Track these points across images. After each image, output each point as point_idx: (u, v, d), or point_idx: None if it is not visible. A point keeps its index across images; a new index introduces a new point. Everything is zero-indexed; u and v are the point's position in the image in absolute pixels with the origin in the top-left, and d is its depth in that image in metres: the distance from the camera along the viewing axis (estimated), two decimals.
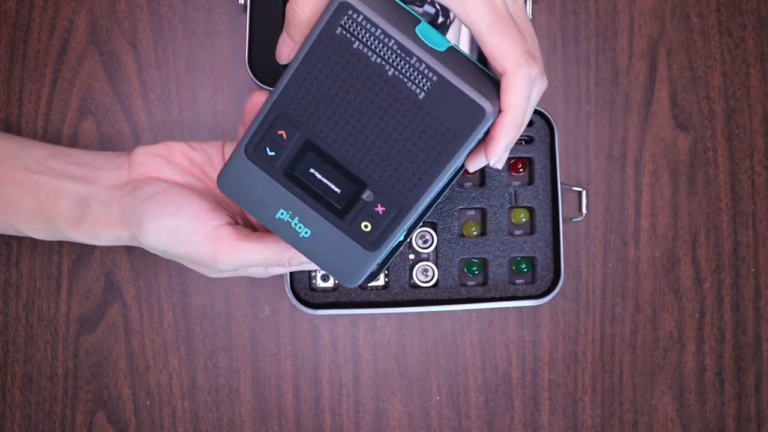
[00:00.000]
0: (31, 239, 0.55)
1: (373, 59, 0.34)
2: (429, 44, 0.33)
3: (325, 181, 0.37)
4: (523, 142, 0.54)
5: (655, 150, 0.58)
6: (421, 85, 0.33)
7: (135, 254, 0.56)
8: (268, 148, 0.37)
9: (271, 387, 0.57)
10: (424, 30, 0.34)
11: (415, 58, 0.33)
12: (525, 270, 0.54)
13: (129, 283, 0.56)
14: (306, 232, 0.38)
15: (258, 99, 0.40)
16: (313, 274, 0.53)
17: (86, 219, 0.43)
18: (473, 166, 0.37)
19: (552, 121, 0.53)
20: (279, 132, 0.37)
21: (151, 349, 0.56)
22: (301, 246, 0.39)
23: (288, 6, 0.35)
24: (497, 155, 0.35)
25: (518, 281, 0.54)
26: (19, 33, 0.56)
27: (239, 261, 0.41)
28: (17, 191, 0.44)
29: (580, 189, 0.56)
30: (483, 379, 0.58)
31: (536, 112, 0.53)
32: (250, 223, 0.45)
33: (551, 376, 0.58)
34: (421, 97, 0.34)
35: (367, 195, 0.37)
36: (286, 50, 0.36)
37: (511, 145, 0.36)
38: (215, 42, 0.57)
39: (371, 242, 0.38)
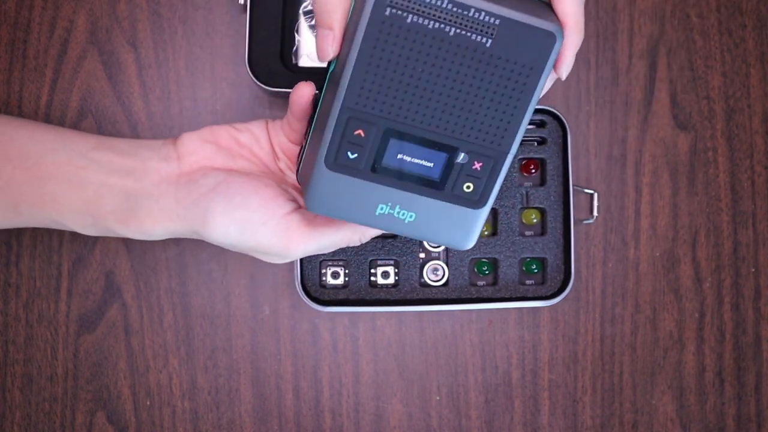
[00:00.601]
0: (31, 239, 0.55)
1: (431, 26, 0.33)
2: None
3: (415, 161, 0.37)
4: (536, 143, 0.54)
5: (655, 150, 0.58)
6: (485, 32, 0.33)
7: (135, 254, 0.56)
8: (349, 152, 0.36)
9: (271, 387, 0.57)
10: None
11: (472, 10, 0.32)
12: (535, 271, 0.54)
13: (129, 283, 0.56)
14: (411, 216, 0.38)
15: (305, 91, 0.38)
16: (324, 271, 0.53)
17: (137, 215, 0.42)
18: (546, 88, 0.37)
19: (565, 123, 0.53)
20: (356, 133, 0.36)
21: (151, 349, 0.56)
22: (409, 230, 0.39)
23: None
24: (568, 67, 0.35)
25: (528, 282, 0.54)
26: (19, 33, 0.56)
27: (311, 248, 0.41)
28: (62, 188, 0.42)
29: (591, 191, 0.56)
30: (483, 379, 0.58)
31: (549, 113, 0.53)
32: None
33: (551, 376, 0.58)
34: (488, 44, 0.33)
35: (461, 158, 0.36)
36: (330, 44, 0.35)
37: (576, 51, 0.35)
38: (215, 42, 0.57)
39: (476, 200, 0.38)
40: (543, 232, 0.54)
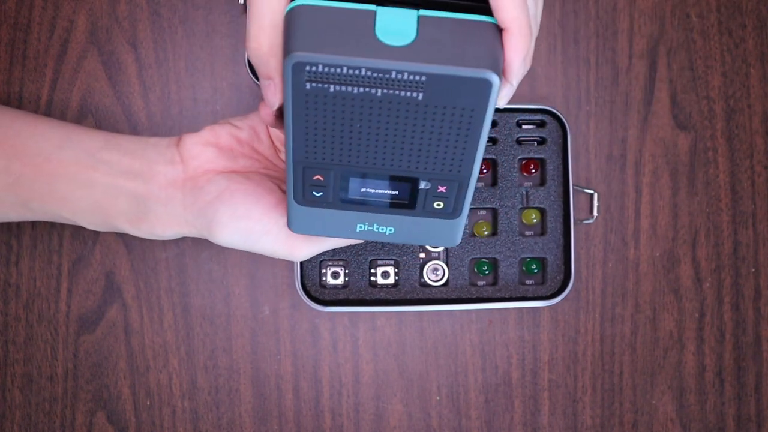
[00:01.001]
0: (31, 239, 0.55)
1: (356, 92, 0.31)
2: (397, 43, 0.30)
3: (379, 191, 0.37)
4: (536, 143, 0.54)
5: (655, 150, 0.58)
6: (414, 89, 0.31)
7: (135, 254, 0.56)
8: (314, 192, 0.37)
9: (271, 387, 0.57)
10: (384, 25, 0.31)
11: (393, 72, 0.30)
12: (535, 271, 0.54)
13: (129, 283, 0.56)
14: (390, 230, 0.39)
15: (267, 118, 0.37)
16: (324, 271, 0.53)
17: (147, 219, 0.43)
18: (503, 102, 0.34)
19: (565, 123, 0.53)
20: (315, 178, 0.36)
21: (151, 349, 0.56)
22: (393, 239, 0.40)
23: (247, 42, 0.32)
24: (518, 74, 0.32)
25: (528, 282, 0.54)
26: (19, 33, 0.56)
27: (315, 250, 0.42)
28: (71, 187, 0.43)
29: (591, 191, 0.56)
30: (483, 379, 0.58)
31: (549, 113, 0.53)
32: None
33: (551, 376, 0.58)
34: (420, 98, 0.32)
35: (424, 185, 0.36)
36: (273, 94, 0.33)
37: (530, 57, 0.33)
38: (215, 42, 0.57)
39: (450, 212, 0.38)
40: (543, 232, 0.54)
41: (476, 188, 0.54)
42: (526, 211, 0.54)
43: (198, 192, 0.42)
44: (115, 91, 0.56)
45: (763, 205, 0.59)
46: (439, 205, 0.38)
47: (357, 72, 0.30)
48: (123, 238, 0.56)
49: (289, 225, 0.39)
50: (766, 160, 0.59)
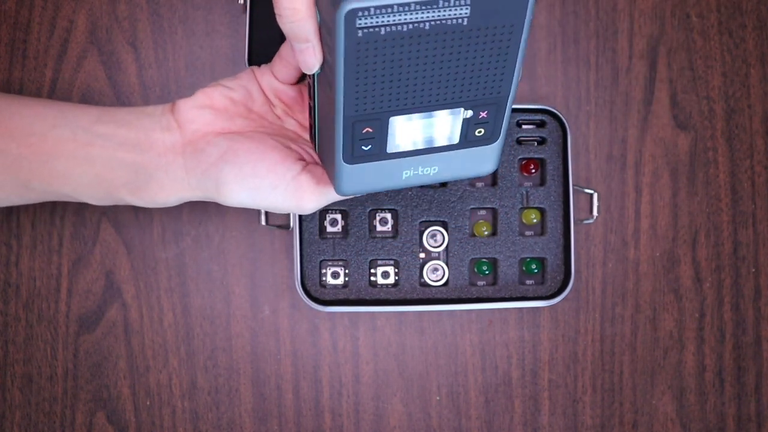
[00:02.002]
0: (31, 239, 0.55)
1: (406, 29, 0.33)
2: None
3: (425, 131, 0.38)
4: (536, 143, 0.54)
5: (655, 150, 0.58)
6: (459, 14, 0.33)
7: (135, 254, 0.56)
8: (362, 146, 0.38)
9: (271, 387, 0.57)
10: None
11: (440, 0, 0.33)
12: (535, 271, 0.54)
13: (129, 283, 0.56)
14: (434, 170, 0.40)
15: (313, 64, 0.37)
16: (324, 271, 0.53)
17: (149, 187, 0.43)
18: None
19: (565, 123, 0.53)
20: (364, 131, 0.37)
21: (151, 349, 0.56)
22: (435, 179, 0.41)
23: (280, 9, 0.33)
24: None
25: (528, 282, 0.54)
26: (19, 33, 0.56)
27: (322, 203, 0.42)
28: (70, 165, 0.42)
29: (591, 191, 0.56)
30: (483, 379, 0.58)
31: (549, 113, 0.54)
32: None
33: (551, 376, 0.58)
34: (465, 23, 0.34)
35: (465, 114, 0.38)
36: (312, 56, 0.35)
37: None
38: (215, 42, 0.57)
39: (489, 138, 0.40)
40: (543, 232, 0.54)
41: (476, 188, 0.54)
42: (526, 211, 0.54)
43: (200, 155, 0.42)
44: (115, 91, 0.56)
45: (763, 205, 0.59)
46: (480, 132, 0.39)
47: (407, 7, 0.32)
48: (123, 237, 0.56)
49: (338, 188, 0.40)
50: (766, 160, 0.59)
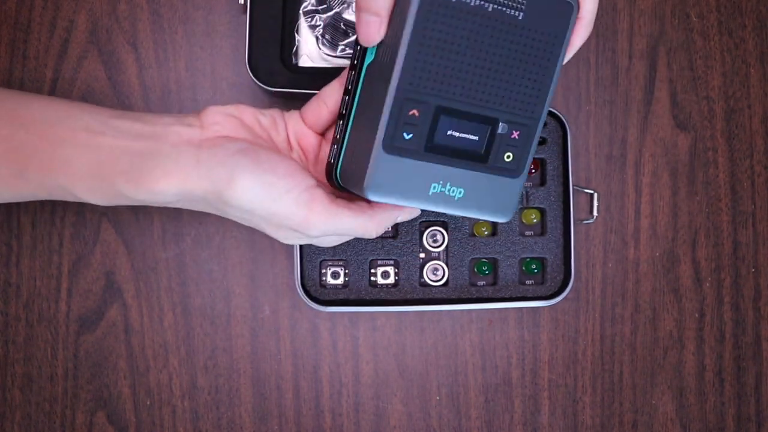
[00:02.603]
0: (31, 239, 0.55)
1: (473, 4, 0.36)
2: None
3: (464, 135, 0.39)
4: None
5: (655, 150, 0.58)
6: (517, 6, 0.36)
7: (135, 254, 0.56)
8: (404, 133, 0.38)
9: (271, 387, 0.57)
10: None
11: None
12: (535, 271, 0.54)
13: (129, 283, 0.56)
14: (460, 192, 0.40)
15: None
16: (324, 271, 0.53)
17: (151, 174, 0.40)
18: (579, 40, 0.40)
19: (565, 123, 0.53)
20: (411, 113, 0.37)
21: (151, 349, 0.56)
22: (458, 207, 0.41)
23: None
24: (590, 10, 0.40)
25: (528, 282, 0.54)
26: (19, 33, 0.56)
27: (329, 228, 0.41)
28: (76, 152, 0.41)
29: (591, 191, 0.56)
30: (483, 379, 0.58)
31: (549, 113, 0.54)
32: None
33: (551, 376, 0.58)
34: (520, 17, 0.37)
35: (501, 128, 0.39)
36: (376, 30, 0.36)
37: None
38: (215, 42, 0.57)
39: (514, 169, 0.41)
40: (543, 232, 0.54)
41: None
42: (526, 211, 0.54)
43: (217, 148, 0.40)
44: (115, 92, 0.56)
45: (763, 205, 0.59)
46: (509, 156, 0.40)
47: None
48: (123, 237, 0.56)
49: (366, 183, 0.38)
50: (766, 160, 0.59)
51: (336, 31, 0.54)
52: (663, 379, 0.58)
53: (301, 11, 0.54)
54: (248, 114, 0.43)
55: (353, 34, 0.53)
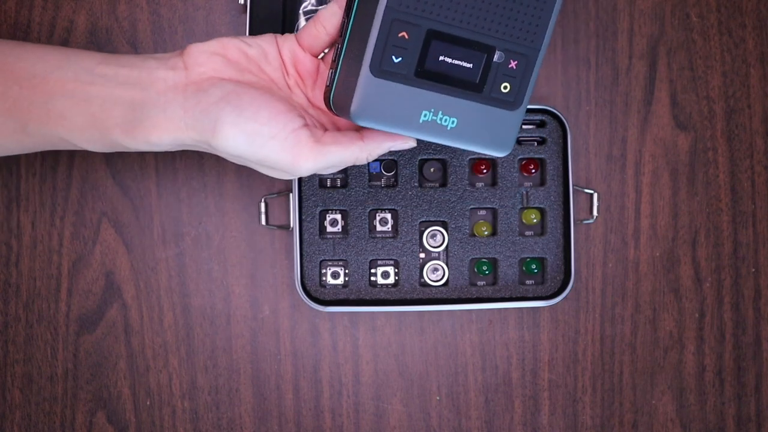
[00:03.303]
0: (31, 239, 0.55)
1: None
2: None
3: (456, 62, 0.37)
4: (536, 143, 0.54)
5: (655, 150, 0.58)
6: None
7: (135, 254, 0.56)
8: (393, 57, 0.37)
9: (271, 387, 0.57)
10: None
11: None
12: (535, 271, 0.54)
13: (129, 283, 0.56)
14: (453, 122, 0.39)
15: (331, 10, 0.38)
16: (324, 271, 0.53)
17: (143, 125, 0.41)
18: None
19: (565, 123, 0.53)
20: (400, 35, 0.36)
21: (151, 349, 0.56)
22: (450, 137, 0.39)
23: None
24: None
25: (528, 282, 0.54)
26: (19, 33, 0.56)
27: (319, 165, 0.41)
28: (68, 104, 0.42)
29: (591, 191, 0.56)
30: (483, 379, 0.58)
31: (549, 113, 0.54)
32: (319, 121, 0.44)
33: (551, 376, 0.58)
34: None
35: (497, 56, 0.38)
36: None
37: None
38: None
39: (512, 101, 0.39)
40: (543, 232, 0.54)
41: (476, 188, 0.54)
42: (526, 211, 0.54)
43: (202, 94, 0.41)
44: None
45: (763, 205, 0.59)
46: (505, 87, 0.39)
47: None
48: (123, 237, 0.56)
49: (353, 111, 0.38)
50: (766, 160, 0.59)
51: None
52: (663, 379, 0.58)
53: (301, 11, 0.54)
54: (232, 48, 0.43)
55: None
